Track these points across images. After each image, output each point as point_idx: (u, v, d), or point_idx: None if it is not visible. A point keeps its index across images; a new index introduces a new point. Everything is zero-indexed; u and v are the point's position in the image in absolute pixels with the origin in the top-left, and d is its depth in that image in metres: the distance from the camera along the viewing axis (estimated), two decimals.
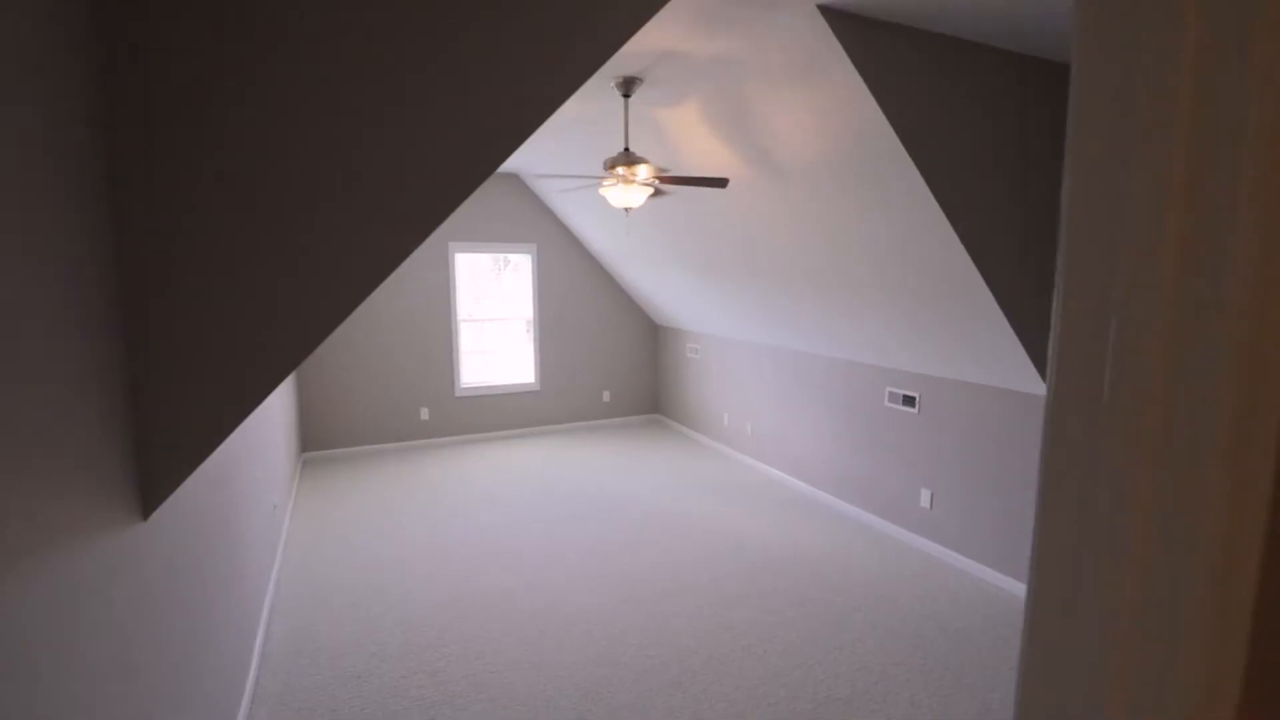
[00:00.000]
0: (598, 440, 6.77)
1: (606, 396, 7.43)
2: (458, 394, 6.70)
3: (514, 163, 6.09)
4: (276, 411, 4.39)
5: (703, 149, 3.73)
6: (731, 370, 6.08)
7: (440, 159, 1.75)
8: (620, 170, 3.30)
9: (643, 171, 3.31)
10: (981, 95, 2.74)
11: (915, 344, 3.82)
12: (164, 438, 1.51)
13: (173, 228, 1.46)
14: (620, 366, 7.48)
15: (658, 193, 3.58)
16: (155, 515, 1.65)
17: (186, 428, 1.53)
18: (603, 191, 3.42)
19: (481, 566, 3.87)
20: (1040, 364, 3.19)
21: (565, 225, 6.95)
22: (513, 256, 6.85)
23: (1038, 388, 3.29)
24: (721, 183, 3.25)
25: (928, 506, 4.00)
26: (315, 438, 6.16)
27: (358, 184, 1.68)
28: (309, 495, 5.12)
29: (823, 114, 2.84)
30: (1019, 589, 3.46)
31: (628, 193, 3.37)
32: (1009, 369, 3.36)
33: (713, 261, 5.02)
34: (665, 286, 6.24)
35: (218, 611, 2.30)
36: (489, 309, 6.88)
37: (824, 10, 2.38)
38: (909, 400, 4.10)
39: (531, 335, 7.03)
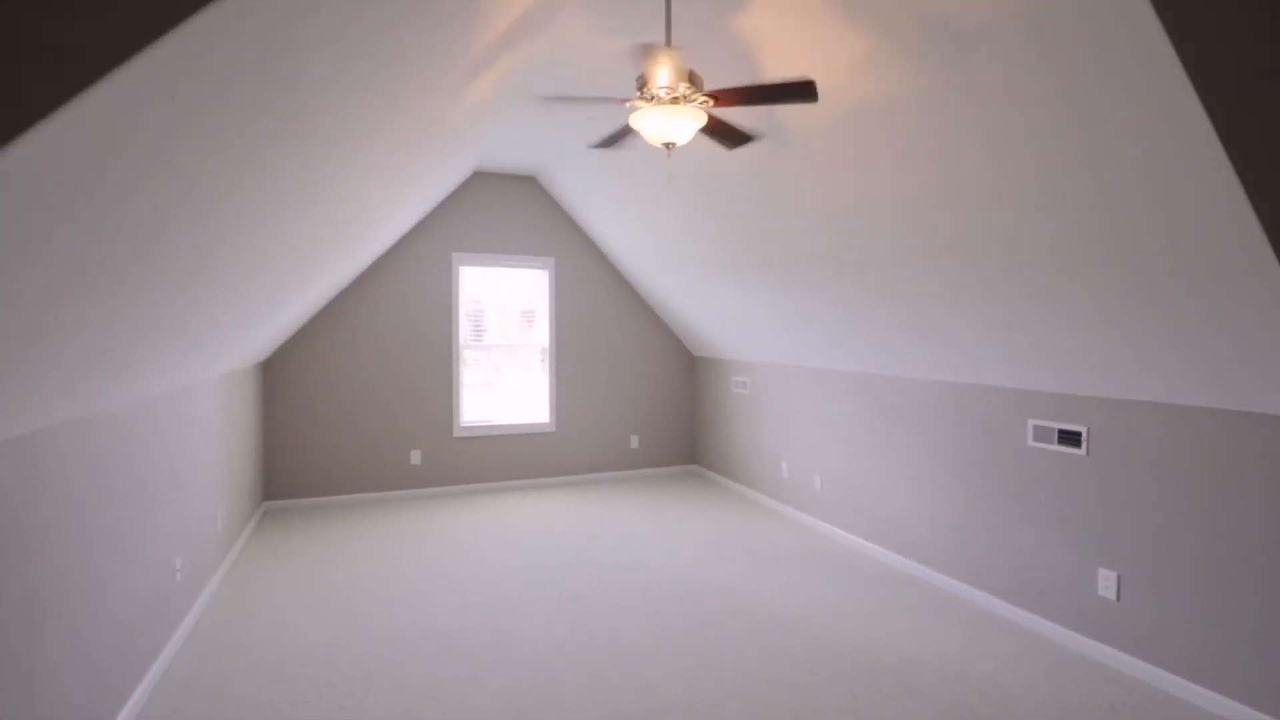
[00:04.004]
0: (623, 495, 5.55)
1: (634, 442, 6.24)
2: (457, 434, 5.58)
3: (529, 161, 5.14)
4: (208, 449, 3.33)
5: (788, 61, 2.68)
6: (792, 407, 4.87)
7: None
8: (662, 82, 2.25)
9: (689, 89, 2.26)
10: None
11: (1087, 350, 2.61)
12: None
13: None
14: (651, 406, 6.31)
15: (713, 128, 2.51)
16: None
17: None
18: (635, 121, 2.37)
19: (458, 666, 2.65)
20: None
21: (588, 235, 5.95)
22: (529, 286, 5.83)
23: None
24: (807, 92, 2.16)
25: (1111, 597, 2.69)
26: (281, 484, 5.07)
27: None
28: (256, 557, 3.98)
29: None
30: None
31: (670, 118, 2.31)
32: (1267, 378, 2.13)
33: (776, 254, 3.91)
34: (710, 301, 5.12)
35: None
36: (499, 335, 5.82)
37: None
38: (1069, 437, 2.85)
39: (547, 366, 5.94)
